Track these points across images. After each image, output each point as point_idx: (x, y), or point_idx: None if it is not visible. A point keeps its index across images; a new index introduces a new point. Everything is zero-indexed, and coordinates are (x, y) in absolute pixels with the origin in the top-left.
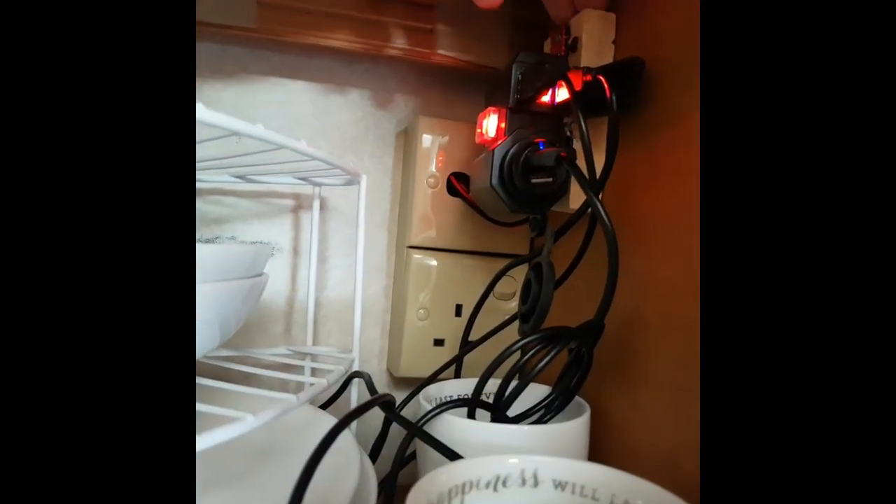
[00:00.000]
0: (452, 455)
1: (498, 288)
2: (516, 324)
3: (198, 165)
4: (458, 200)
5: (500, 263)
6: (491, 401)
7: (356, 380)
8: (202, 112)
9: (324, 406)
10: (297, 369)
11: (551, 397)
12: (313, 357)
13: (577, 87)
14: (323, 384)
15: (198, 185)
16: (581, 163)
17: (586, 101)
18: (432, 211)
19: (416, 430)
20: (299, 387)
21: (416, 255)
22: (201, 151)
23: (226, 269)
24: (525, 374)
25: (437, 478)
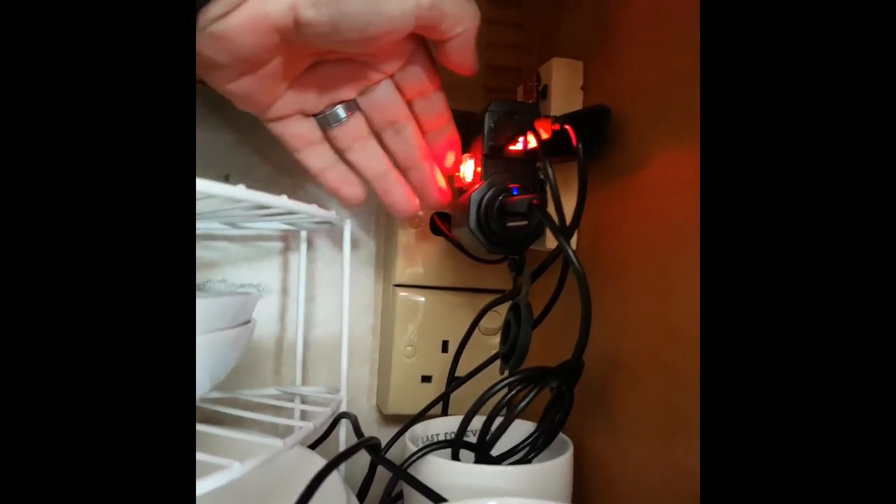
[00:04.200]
0: (437, 498)
1: (483, 323)
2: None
3: None
4: (441, 239)
5: (486, 299)
6: (476, 439)
7: (344, 420)
8: None
9: (313, 445)
10: (287, 410)
11: (535, 435)
12: (302, 398)
13: (547, 135)
14: (310, 427)
15: None
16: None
17: (557, 146)
18: (417, 249)
19: (401, 473)
20: (288, 429)
21: (403, 293)
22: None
23: (213, 320)
24: (509, 413)
25: None
